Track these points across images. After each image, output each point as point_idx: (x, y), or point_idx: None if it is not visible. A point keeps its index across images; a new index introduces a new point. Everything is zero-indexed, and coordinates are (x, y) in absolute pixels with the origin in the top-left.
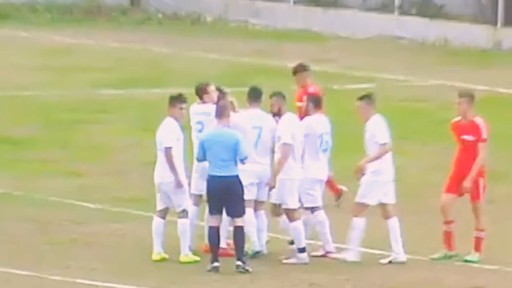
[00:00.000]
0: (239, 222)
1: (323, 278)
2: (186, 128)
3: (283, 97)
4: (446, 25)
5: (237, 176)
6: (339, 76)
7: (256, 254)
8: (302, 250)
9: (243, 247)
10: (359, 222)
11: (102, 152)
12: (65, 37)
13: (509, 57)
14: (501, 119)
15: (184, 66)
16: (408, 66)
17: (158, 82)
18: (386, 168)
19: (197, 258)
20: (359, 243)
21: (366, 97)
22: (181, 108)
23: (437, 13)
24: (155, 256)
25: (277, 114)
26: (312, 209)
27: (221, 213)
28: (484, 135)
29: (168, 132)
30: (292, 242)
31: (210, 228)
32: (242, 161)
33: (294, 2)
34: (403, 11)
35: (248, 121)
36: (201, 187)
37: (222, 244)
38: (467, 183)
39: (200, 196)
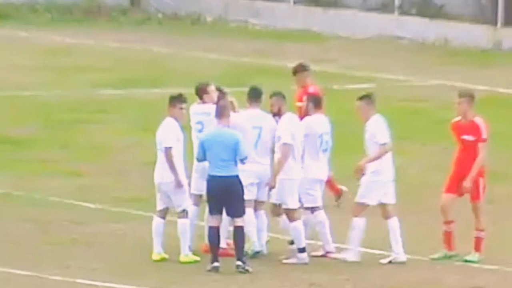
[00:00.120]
0: (239, 222)
1: (323, 278)
2: (186, 128)
3: (283, 97)
4: (446, 25)
5: (237, 176)
6: (339, 76)
7: (256, 254)
8: (302, 250)
9: (243, 247)
10: (359, 222)
11: (102, 152)
12: (65, 37)
13: (509, 57)
14: (501, 119)
15: (184, 66)
16: (408, 66)
17: (158, 82)
18: (386, 168)
19: (197, 258)
20: (359, 243)
21: (366, 97)
22: (181, 108)
23: (437, 13)
24: (155, 256)
25: (277, 114)
26: (312, 209)
27: (221, 213)
28: (484, 135)
29: (168, 132)
30: (292, 242)
31: (210, 228)
32: (242, 161)
33: (294, 2)
34: (403, 11)
35: (248, 121)
36: (201, 187)
37: (222, 244)
38: (467, 183)
39: (200, 196)
